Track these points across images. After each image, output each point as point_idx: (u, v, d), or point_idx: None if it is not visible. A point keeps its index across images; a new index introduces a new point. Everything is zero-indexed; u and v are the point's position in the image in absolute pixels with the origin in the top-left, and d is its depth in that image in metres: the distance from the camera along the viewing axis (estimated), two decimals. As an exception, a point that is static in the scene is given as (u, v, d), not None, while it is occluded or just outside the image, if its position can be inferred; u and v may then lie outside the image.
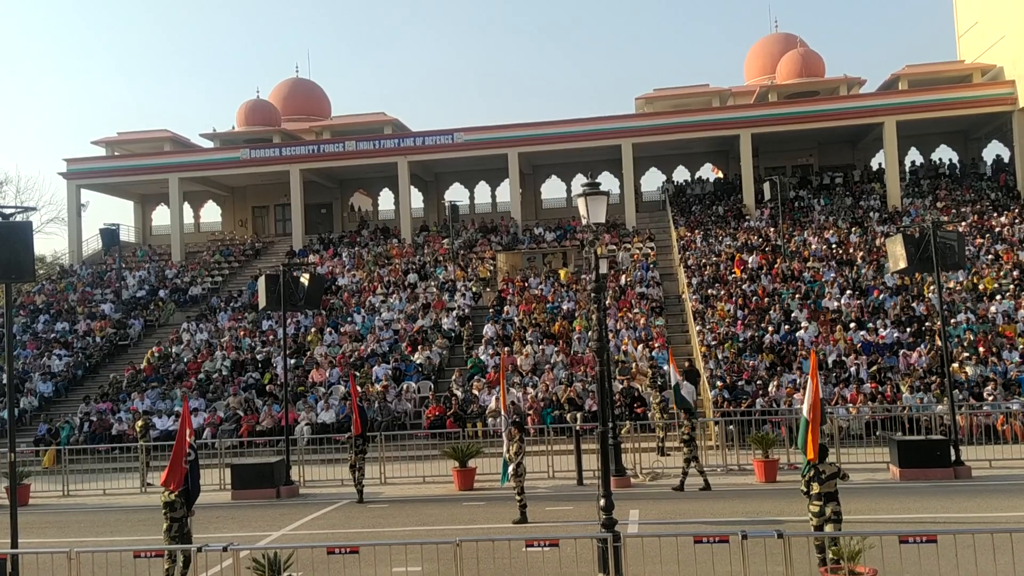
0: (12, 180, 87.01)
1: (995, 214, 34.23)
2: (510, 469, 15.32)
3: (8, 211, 11.38)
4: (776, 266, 31.30)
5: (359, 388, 26.72)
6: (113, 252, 40.40)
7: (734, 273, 31.27)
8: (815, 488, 10.50)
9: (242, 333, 32.00)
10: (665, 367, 26.00)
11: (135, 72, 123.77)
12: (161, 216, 47.13)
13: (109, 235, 39.06)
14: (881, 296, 28.38)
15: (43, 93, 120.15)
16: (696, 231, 35.80)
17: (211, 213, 48.31)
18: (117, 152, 43.93)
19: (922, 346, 24.90)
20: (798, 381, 23.51)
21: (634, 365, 25.78)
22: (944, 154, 42.44)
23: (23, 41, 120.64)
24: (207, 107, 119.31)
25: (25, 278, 11.56)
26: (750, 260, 31.93)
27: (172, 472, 11.12)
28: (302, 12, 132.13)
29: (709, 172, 45.82)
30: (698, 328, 27.59)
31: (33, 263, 11.60)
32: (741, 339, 26.53)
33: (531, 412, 23.89)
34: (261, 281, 21.22)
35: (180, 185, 41.80)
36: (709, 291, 29.91)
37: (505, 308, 31.10)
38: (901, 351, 24.87)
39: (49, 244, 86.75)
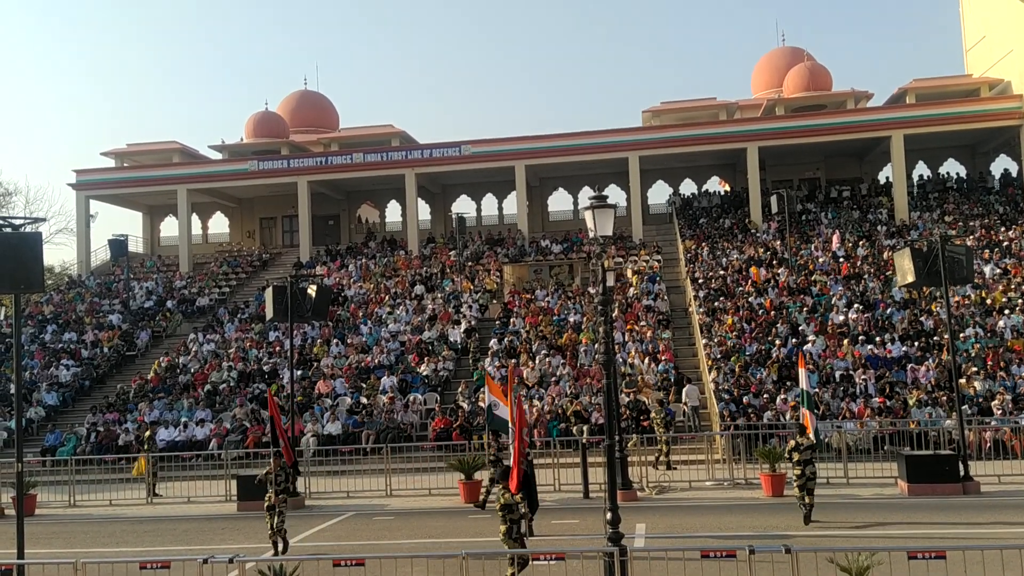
0: (21, 191, 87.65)
1: (1003, 228, 34.15)
2: (516, 482, 15.26)
3: (17, 222, 11.44)
4: (783, 279, 31.25)
5: (365, 400, 26.81)
6: (121, 263, 40.56)
7: (743, 286, 31.22)
8: (796, 456, 14.90)
9: (249, 344, 32.05)
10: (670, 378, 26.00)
11: (144, 84, 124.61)
12: (169, 227, 47.37)
13: (117, 246, 39.24)
14: (889, 310, 28.30)
15: (53, 104, 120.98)
16: (703, 244, 35.78)
17: (219, 224, 48.54)
18: (126, 163, 44.18)
19: (930, 360, 24.80)
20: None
21: (640, 378, 25.73)
22: (952, 168, 42.45)
23: (33, 52, 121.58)
24: (216, 119, 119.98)
25: (34, 289, 11.60)
26: (761, 272, 31.86)
27: (512, 473, 10.73)
28: (310, 25, 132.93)
29: (716, 185, 45.85)
30: (705, 341, 27.53)
31: (42, 274, 11.64)
32: (748, 352, 26.47)
33: (537, 425, 23.85)
34: (268, 292, 21.26)
35: (188, 196, 42.00)
36: (715, 304, 29.86)
37: (511, 320, 31.09)
38: (909, 365, 24.77)
39: (57, 255, 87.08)
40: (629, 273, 33.95)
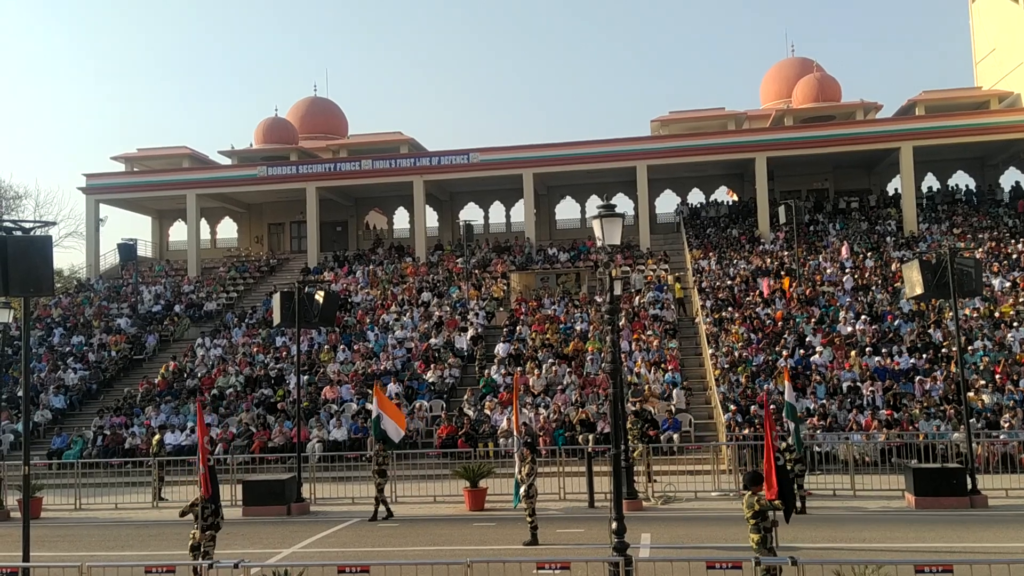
0: (31, 194, 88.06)
1: (1012, 241, 34.03)
2: (522, 490, 15.25)
3: (27, 225, 11.48)
4: (790, 290, 31.16)
5: (371, 406, 26.76)
6: (130, 267, 40.71)
7: (751, 295, 31.15)
8: (788, 456, 16.66)
9: (256, 349, 32.10)
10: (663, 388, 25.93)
11: (155, 89, 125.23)
12: (178, 232, 47.58)
13: (126, 250, 39.40)
14: (896, 322, 28.19)
15: (63, 108, 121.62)
16: (710, 254, 35.73)
17: (227, 229, 48.74)
18: (136, 168, 44.40)
19: (938, 373, 24.68)
20: (812, 407, 23.37)
21: (647, 388, 25.67)
22: (961, 180, 42.37)
23: (44, 57, 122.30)
24: (226, 125, 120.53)
25: (44, 292, 11.62)
26: (768, 282, 31.77)
27: (771, 479, 10.22)
28: (321, 32, 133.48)
29: (724, 195, 45.81)
30: (711, 351, 27.47)
31: (52, 277, 11.67)
32: (755, 363, 26.38)
33: (542, 433, 23.81)
34: (276, 298, 21.31)
35: (197, 201, 42.15)
36: (723, 314, 29.79)
37: (518, 328, 31.07)
38: (917, 378, 24.66)
39: (67, 258, 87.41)
40: (671, 279, 33.78)
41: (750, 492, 10.23)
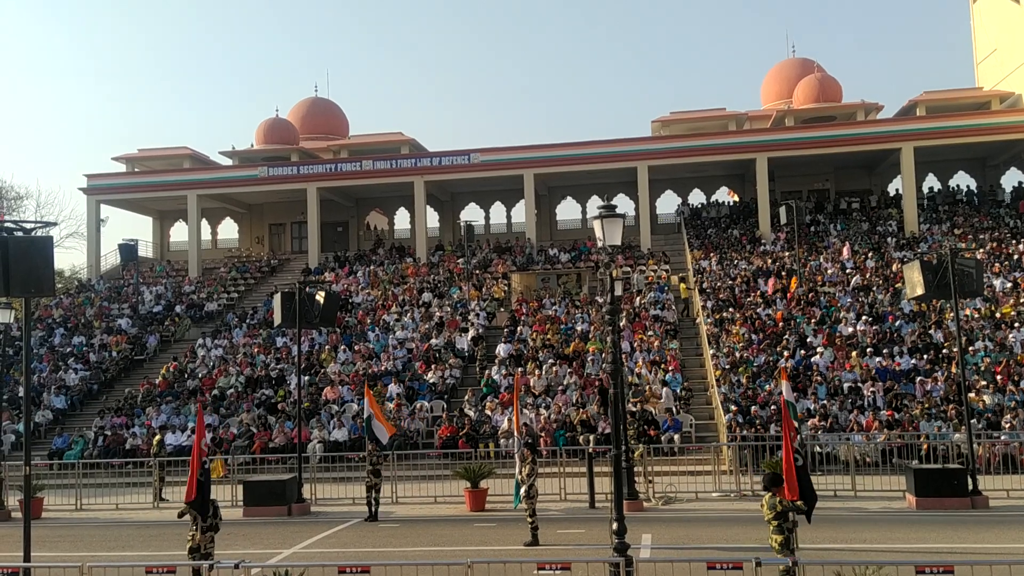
0: (32, 195, 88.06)
1: (1013, 241, 34.01)
2: (522, 491, 15.26)
3: (28, 226, 11.48)
4: (792, 291, 31.14)
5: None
6: (131, 267, 40.75)
7: (752, 295, 31.14)
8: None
9: (256, 350, 32.10)
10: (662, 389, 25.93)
11: (156, 89, 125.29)
12: (179, 232, 47.59)
13: (127, 250, 39.45)
14: (897, 322, 28.18)
15: (64, 108, 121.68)
16: (711, 254, 35.72)
17: (228, 230, 48.76)
18: (137, 168, 44.43)
19: (939, 373, 24.67)
20: (813, 408, 23.35)
21: (647, 388, 25.66)
22: (962, 180, 42.35)
23: (44, 57, 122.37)
24: (226, 125, 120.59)
25: (45, 293, 11.62)
26: (772, 282, 31.76)
27: (792, 481, 10.16)
28: (322, 32, 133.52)
29: (725, 195, 45.80)
30: (712, 352, 27.46)
31: (53, 278, 11.67)
32: (755, 363, 26.37)
33: (543, 434, 23.81)
34: (277, 298, 21.33)
35: (198, 202, 42.17)
36: (723, 314, 29.77)
37: (519, 328, 31.06)
38: (918, 378, 24.64)
39: (68, 258, 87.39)
40: (675, 280, 33.77)
41: (770, 493, 10.23)
